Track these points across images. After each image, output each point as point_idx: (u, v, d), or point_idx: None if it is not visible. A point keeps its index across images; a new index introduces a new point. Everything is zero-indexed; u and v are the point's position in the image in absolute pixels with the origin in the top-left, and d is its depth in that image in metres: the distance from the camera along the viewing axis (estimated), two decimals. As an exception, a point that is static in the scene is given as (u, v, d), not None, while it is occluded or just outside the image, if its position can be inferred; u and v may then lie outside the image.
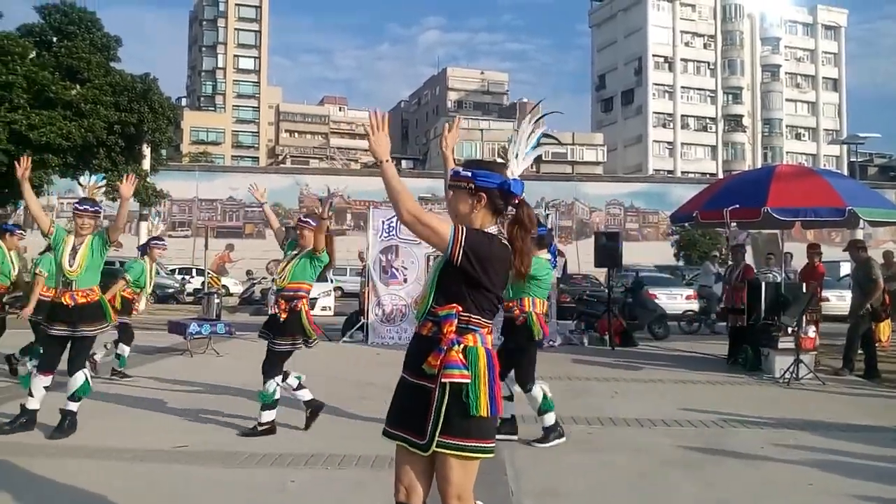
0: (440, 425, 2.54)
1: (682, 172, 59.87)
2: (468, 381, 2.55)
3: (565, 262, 14.92)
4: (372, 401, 6.95)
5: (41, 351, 5.59)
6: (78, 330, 5.47)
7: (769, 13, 66.30)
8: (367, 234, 12.63)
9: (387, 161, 2.61)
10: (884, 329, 10.47)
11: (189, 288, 25.49)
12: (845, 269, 18.38)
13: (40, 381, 5.46)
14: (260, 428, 5.59)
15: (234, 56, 76.22)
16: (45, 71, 18.95)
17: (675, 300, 17.40)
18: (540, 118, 2.99)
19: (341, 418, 6.27)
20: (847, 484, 4.66)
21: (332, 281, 22.17)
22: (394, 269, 12.38)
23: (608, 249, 12.86)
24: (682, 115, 64.18)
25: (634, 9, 65.35)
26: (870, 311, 9.44)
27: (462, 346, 2.58)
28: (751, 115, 65.65)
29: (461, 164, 2.84)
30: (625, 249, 13.89)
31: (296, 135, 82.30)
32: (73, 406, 5.47)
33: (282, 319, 5.64)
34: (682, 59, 64.48)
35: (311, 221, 5.76)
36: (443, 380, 2.55)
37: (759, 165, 57.39)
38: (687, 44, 64.94)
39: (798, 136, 67.00)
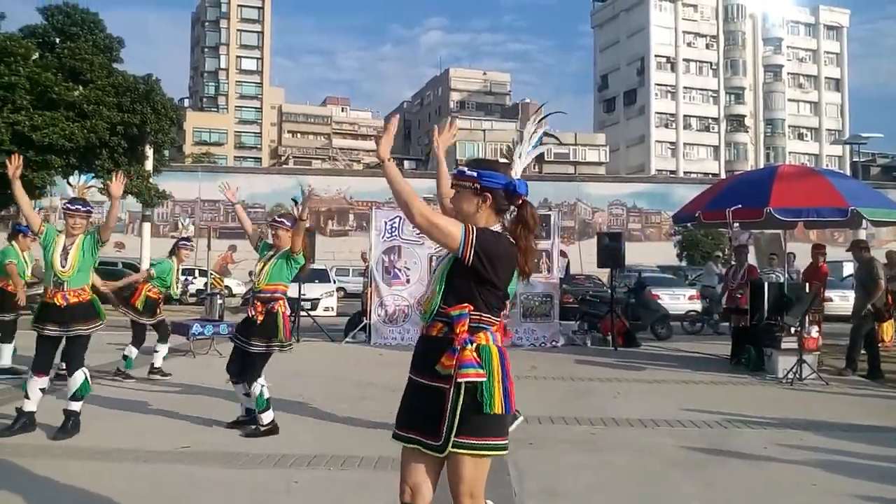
0: (455, 426, 2.55)
1: (685, 173, 59.85)
2: (484, 379, 2.56)
3: (568, 263, 14.89)
4: (374, 401, 6.96)
5: (35, 352, 5.59)
6: (71, 329, 5.46)
7: (771, 13, 66.25)
8: (370, 234, 12.64)
9: (388, 160, 2.62)
10: (887, 329, 10.48)
11: (192, 289, 25.49)
12: (848, 269, 18.37)
13: (36, 383, 5.46)
14: (262, 429, 5.58)
15: (237, 57, 76.36)
16: (48, 72, 18.97)
17: (678, 300, 17.38)
18: (543, 118, 2.99)
19: (343, 419, 6.27)
20: (850, 484, 4.64)
21: (335, 282, 22.21)
22: (396, 270, 12.38)
23: (611, 250, 12.86)
24: (685, 116, 64.15)
25: (636, 9, 65.33)
26: (872, 311, 9.43)
27: (475, 344, 2.59)
28: (753, 116, 65.60)
29: (465, 162, 2.83)
30: (627, 250, 13.88)
31: (298, 135, 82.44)
32: (75, 406, 5.48)
33: (258, 321, 5.56)
34: (684, 60, 64.44)
35: (285, 222, 5.71)
36: (458, 379, 2.55)
37: (761, 166, 57.39)
38: (689, 44, 64.90)
39: (800, 137, 66.95)
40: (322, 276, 20.82)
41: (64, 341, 5.58)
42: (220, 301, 15.14)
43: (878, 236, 35.29)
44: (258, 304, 5.61)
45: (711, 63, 65.36)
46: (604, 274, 17.42)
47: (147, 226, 22.03)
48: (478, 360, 2.57)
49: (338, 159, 74.20)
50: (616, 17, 68.51)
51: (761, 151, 65.18)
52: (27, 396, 5.46)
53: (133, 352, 8.26)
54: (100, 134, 18.83)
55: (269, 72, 79.19)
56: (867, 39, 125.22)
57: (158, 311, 8.53)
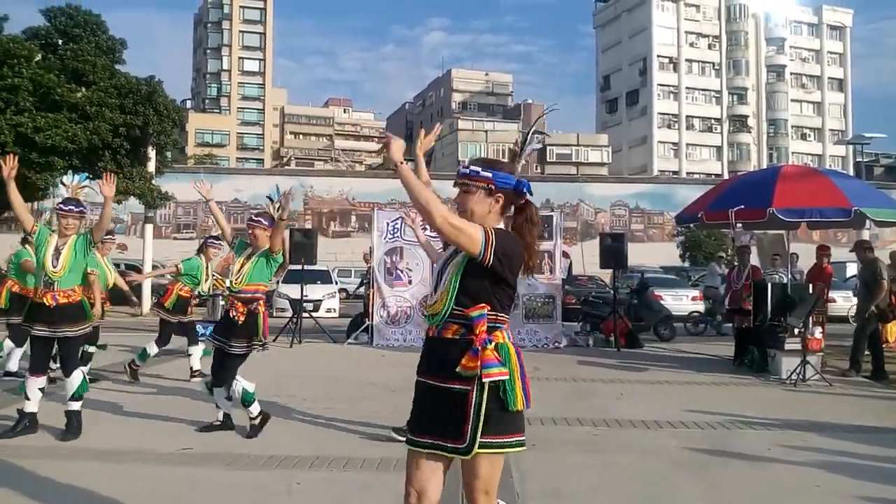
0: (481, 426, 2.53)
1: (688, 173, 59.79)
2: (507, 377, 2.56)
3: (570, 264, 14.87)
4: (376, 402, 6.95)
5: (30, 353, 5.58)
6: (59, 330, 5.43)
7: (774, 13, 66.16)
8: (372, 235, 12.63)
9: (402, 163, 2.61)
10: (891, 330, 10.44)
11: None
12: (851, 269, 18.32)
13: (34, 383, 5.46)
14: (256, 422, 5.59)
15: (239, 58, 76.48)
16: (51, 74, 18.97)
17: (681, 301, 17.32)
18: (539, 117, 3.00)
19: (345, 420, 6.25)
20: (854, 485, 4.63)
21: (337, 283, 22.19)
22: (398, 271, 12.37)
23: (613, 250, 12.84)
24: (687, 116, 64.08)
25: (639, 9, 65.28)
26: (876, 312, 9.40)
27: (493, 343, 2.59)
28: (756, 116, 65.51)
29: (472, 162, 2.81)
30: (630, 250, 13.87)
31: (300, 136, 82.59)
32: (75, 406, 5.48)
33: (239, 322, 5.51)
34: (686, 60, 64.37)
35: (262, 220, 5.66)
36: (483, 379, 2.54)
37: (764, 166, 57.24)
38: (692, 44, 64.84)
39: (803, 137, 66.85)
40: (324, 277, 20.81)
41: (56, 345, 5.56)
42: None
43: (882, 237, 35.19)
44: (239, 304, 5.53)
45: (714, 63, 65.28)
46: (606, 275, 17.38)
47: (150, 227, 22.00)
48: (499, 358, 2.57)
49: (340, 160, 74.27)
50: (618, 18, 68.45)
51: (764, 152, 65.09)
52: (27, 397, 5.46)
53: (154, 349, 8.19)
54: (102, 135, 18.82)
55: (272, 73, 79.36)
56: (870, 39, 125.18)
57: (189, 310, 8.42)
